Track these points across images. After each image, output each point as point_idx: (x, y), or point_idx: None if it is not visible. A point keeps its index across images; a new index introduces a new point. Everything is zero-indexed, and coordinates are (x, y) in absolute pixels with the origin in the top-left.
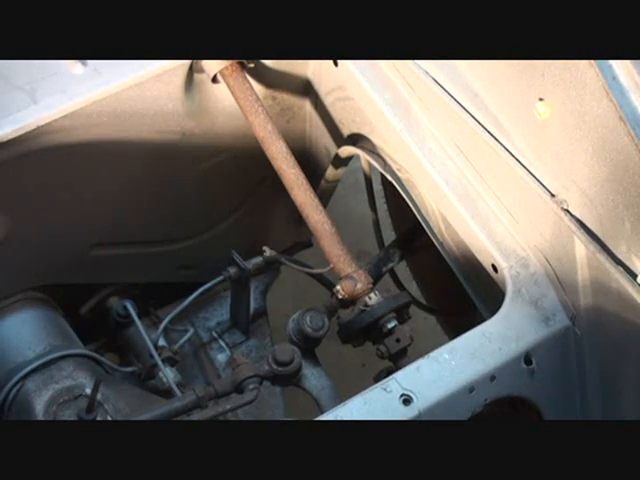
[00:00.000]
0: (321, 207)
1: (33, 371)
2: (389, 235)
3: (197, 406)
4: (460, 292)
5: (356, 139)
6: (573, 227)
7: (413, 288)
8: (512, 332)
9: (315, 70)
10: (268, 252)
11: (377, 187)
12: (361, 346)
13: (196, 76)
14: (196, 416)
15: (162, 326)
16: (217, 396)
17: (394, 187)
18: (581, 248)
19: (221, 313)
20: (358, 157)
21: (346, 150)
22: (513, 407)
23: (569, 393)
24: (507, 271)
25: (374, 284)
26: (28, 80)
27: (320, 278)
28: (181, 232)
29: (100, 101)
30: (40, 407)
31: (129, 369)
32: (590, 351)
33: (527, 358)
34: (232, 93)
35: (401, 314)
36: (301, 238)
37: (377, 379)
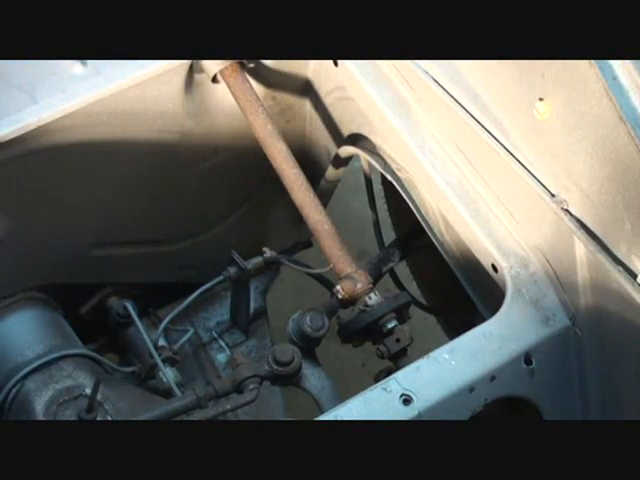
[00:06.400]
0: (321, 207)
1: (33, 371)
2: (389, 235)
3: (197, 406)
4: (460, 292)
5: (356, 139)
6: (573, 227)
7: (413, 288)
8: (512, 332)
9: (315, 70)
10: (268, 252)
11: (377, 187)
12: (361, 346)
13: (196, 76)
14: (196, 416)
15: (162, 326)
16: (217, 396)
17: (394, 187)
18: (581, 248)
19: (221, 313)
20: (358, 157)
21: (346, 150)
22: (513, 407)
23: (569, 393)
24: (507, 271)
25: (374, 284)
26: (28, 80)
27: (320, 278)
28: (181, 232)
29: (100, 101)
30: (40, 407)
31: (129, 369)
32: (590, 351)
33: (527, 358)
34: (232, 93)
35: (401, 314)
36: (301, 238)
37: (377, 379)
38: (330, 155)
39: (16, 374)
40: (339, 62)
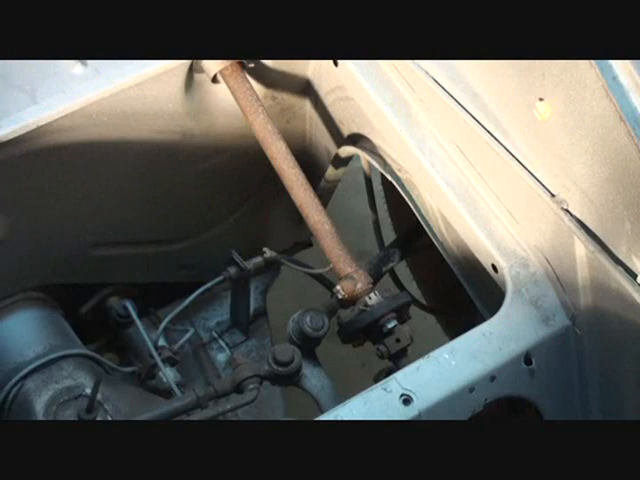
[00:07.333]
0: (321, 207)
1: (33, 371)
2: (389, 235)
3: (197, 406)
4: (460, 292)
5: (356, 139)
6: (573, 227)
7: (413, 288)
8: (512, 332)
9: (315, 70)
10: (268, 252)
11: (377, 187)
12: (361, 346)
13: (196, 76)
14: (196, 416)
15: (162, 326)
16: (217, 396)
17: (394, 187)
18: (581, 248)
19: (221, 313)
20: (358, 157)
21: (346, 150)
22: (513, 407)
23: (569, 393)
24: (507, 271)
25: (374, 284)
26: (28, 80)
27: (320, 278)
28: (181, 232)
29: (100, 101)
30: (40, 407)
31: (129, 369)
32: (590, 351)
33: (527, 358)
34: (232, 93)
35: (401, 314)
36: (301, 238)
37: (377, 379)
38: (330, 155)
39: (16, 374)
40: (339, 62)
